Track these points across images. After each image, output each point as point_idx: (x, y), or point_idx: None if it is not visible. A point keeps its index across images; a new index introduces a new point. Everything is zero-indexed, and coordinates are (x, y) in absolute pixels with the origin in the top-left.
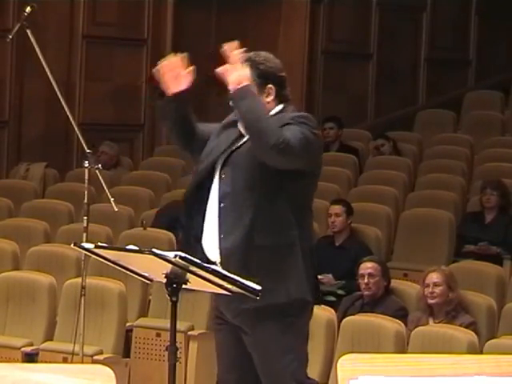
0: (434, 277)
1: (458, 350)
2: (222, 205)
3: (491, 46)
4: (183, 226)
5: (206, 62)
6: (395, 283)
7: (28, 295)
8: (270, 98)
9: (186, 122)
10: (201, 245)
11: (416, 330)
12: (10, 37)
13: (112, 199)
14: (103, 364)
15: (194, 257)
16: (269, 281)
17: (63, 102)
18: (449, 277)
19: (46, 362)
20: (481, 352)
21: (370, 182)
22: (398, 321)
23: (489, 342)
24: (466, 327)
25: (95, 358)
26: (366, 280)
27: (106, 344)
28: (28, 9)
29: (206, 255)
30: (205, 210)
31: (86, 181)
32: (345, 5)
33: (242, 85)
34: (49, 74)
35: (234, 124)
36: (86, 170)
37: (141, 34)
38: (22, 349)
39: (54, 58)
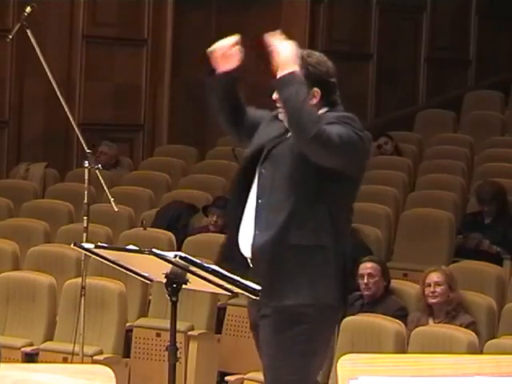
0: (434, 276)
1: (458, 349)
2: (259, 201)
3: (491, 46)
4: (230, 216)
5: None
6: (395, 283)
7: (28, 295)
8: (314, 102)
9: (233, 101)
10: (237, 239)
11: (416, 330)
12: (10, 37)
13: (112, 199)
14: (103, 364)
15: (230, 255)
16: (293, 282)
17: (63, 102)
18: (449, 277)
19: (46, 362)
20: (481, 352)
21: (370, 182)
22: (397, 321)
23: (489, 342)
24: (466, 327)
25: (95, 358)
26: (365, 280)
27: (106, 344)
28: (28, 9)
29: (241, 251)
30: (244, 204)
31: (86, 181)
32: (345, 5)
33: (287, 71)
34: (49, 74)
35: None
36: (86, 170)
37: (141, 34)
38: (22, 349)
39: (54, 58)
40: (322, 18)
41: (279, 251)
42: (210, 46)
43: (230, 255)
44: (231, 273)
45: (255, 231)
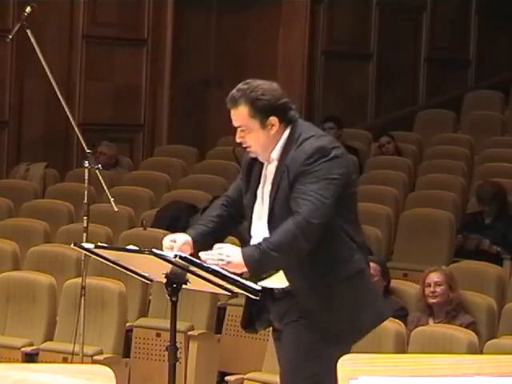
0: (434, 276)
1: (458, 350)
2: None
3: (491, 46)
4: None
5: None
6: (395, 283)
7: (28, 295)
8: (274, 130)
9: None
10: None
11: (416, 330)
12: (10, 37)
13: (112, 199)
14: (103, 364)
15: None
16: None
17: (63, 102)
18: (449, 277)
19: (46, 362)
20: (481, 352)
21: (370, 182)
22: (397, 321)
23: (489, 342)
24: (466, 327)
25: (95, 358)
26: None
27: (106, 344)
28: (28, 9)
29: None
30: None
31: (86, 181)
32: (345, 5)
33: (246, 267)
34: (49, 74)
35: (256, 161)
36: (86, 170)
37: (141, 34)
38: (22, 349)
39: (54, 58)
40: (322, 18)
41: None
42: (210, 46)
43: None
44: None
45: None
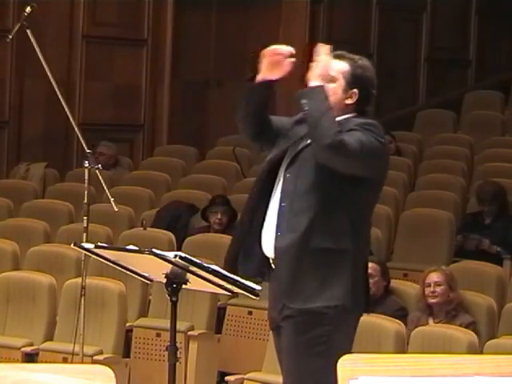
0: (434, 276)
1: (458, 350)
2: (282, 204)
3: (491, 46)
4: (243, 221)
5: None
6: (395, 283)
7: (28, 295)
8: (350, 102)
9: (262, 111)
10: (260, 240)
11: (416, 330)
12: (10, 37)
13: (112, 199)
14: (103, 364)
15: (248, 252)
16: (315, 284)
17: (63, 102)
18: (449, 276)
19: (46, 362)
20: (481, 352)
21: None
22: (397, 321)
23: (489, 342)
24: (466, 327)
25: (95, 358)
26: None
27: (106, 344)
28: (28, 9)
29: (263, 250)
30: (267, 206)
31: (86, 181)
32: (345, 5)
33: (317, 84)
34: (49, 74)
35: (304, 121)
36: (86, 170)
37: (141, 34)
38: (22, 349)
39: (54, 58)
40: (322, 18)
41: (301, 254)
42: (210, 46)
43: (247, 252)
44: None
45: (277, 233)
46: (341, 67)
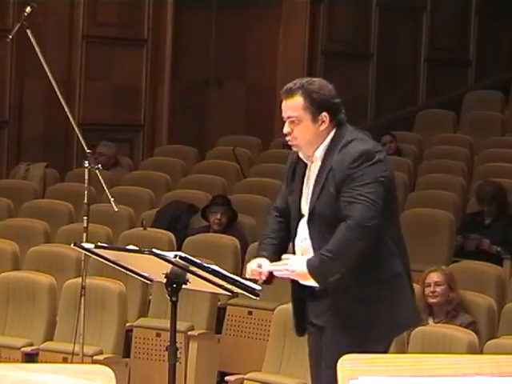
0: (434, 276)
1: (458, 350)
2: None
3: (491, 46)
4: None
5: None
6: None
7: (28, 295)
8: (324, 127)
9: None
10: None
11: (416, 330)
12: (10, 37)
13: (112, 199)
14: (103, 364)
15: None
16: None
17: (63, 102)
18: (449, 276)
19: (46, 362)
20: (481, 352)
21: None
22: None
23: (489, 342)
24: (466, 327)
25: (95, 358)
26: None
27: (106, 344)
28: (28, 9)
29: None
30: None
31: (86, 181)
32: (345, 5)
33: (308, 274)
34: (49, 74)
35: (299, 162)
36: (86, 170)
37: (141, 34)
38: (22, 349)
39: (54, 58)
40: (322, 18)
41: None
42: (210, 46)
43: None
44: None
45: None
46: (297, 104)
